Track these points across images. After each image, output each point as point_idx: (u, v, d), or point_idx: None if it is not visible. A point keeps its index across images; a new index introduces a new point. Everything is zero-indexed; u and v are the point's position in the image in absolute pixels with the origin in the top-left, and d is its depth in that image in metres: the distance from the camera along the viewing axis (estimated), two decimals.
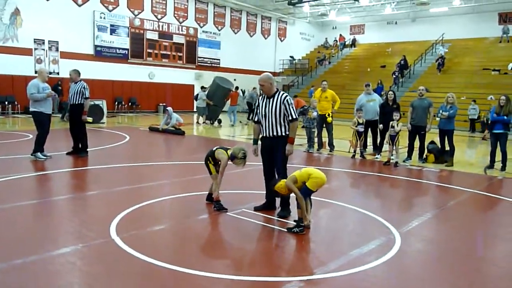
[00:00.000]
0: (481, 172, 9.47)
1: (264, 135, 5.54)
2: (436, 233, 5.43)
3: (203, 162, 5.78)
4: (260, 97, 5.63)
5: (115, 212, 5.26)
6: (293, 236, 4.79)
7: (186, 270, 3.74)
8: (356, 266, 3.99)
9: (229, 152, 5.57)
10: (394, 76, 27.21)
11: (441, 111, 10.08)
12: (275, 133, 5.43)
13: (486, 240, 5.12)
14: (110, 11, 24.08)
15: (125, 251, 4.10)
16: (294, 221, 4.98)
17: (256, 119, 5.68)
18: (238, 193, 6.51)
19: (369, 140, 11.63)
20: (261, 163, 5.73)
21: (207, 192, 5.94)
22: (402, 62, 28.26)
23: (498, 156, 9.59)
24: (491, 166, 9.61)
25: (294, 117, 5.38)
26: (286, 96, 5.46)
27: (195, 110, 27.01)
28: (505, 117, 9.34)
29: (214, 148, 5.72)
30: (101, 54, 23.83)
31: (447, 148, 10.22)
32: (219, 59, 30.22)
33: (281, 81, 31.61)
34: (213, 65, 29.90)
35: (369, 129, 11.27)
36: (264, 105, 5.47)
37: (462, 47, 29.87)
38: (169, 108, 15.72)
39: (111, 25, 24.14)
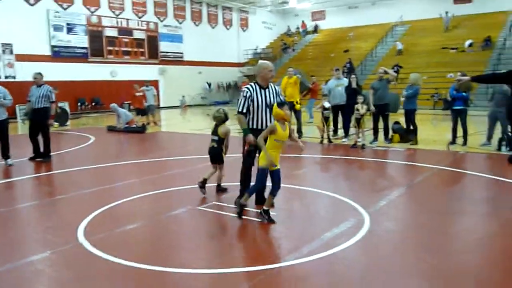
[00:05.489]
0: (445, 148, 9.75)
1: (258, 127, 5.32)
2: (404, 211, 5.57)
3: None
4: (251, 88, 5.34)
5: (83, 215, 5.14)
6: (265, 225, 4.81)
7: (160, 268, 3.69)
8: (328, 249, 4.04)
9: (222, 127, 5.98)
10: None
11: (403, 92, 10.30)
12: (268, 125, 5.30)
13: (451, 215, 5.27)
14: (65, 9, 23.32)
15: (95, 255, 4.02)
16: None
17: (244, 110, 5.30)
18: (207, 186, 6.45)
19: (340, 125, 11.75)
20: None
21: (199, 184, 6.05)
22: (348, 65, 26.24)
23: (460, 131, 9.91)
24: (453, 142, 9.93)
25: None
26: (277, 86, 5.51)
27: (162, 106, 26.78)
28: (464, 94, 9.64)
29: (216, 138, 6.04)
30: (59, 54, 23.09)
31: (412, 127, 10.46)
32: (182, 53, 29.85)
33: (247, 71, 31.53)
34: (176, 59, 29.52)
35: (339, 113, 11.43)
36: (261, 96, 5.30)
37: (420, 28, 30.52)
38: (112, 105, 15.00)
39: (68, 24, 23.40)
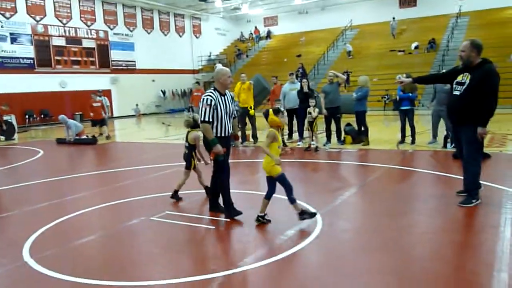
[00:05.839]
0: (395, 147, 10.07)
1: (224, 134, 5.20)
2: (356, 211, 5.69)
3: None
4: (213, 95, 5.14)
5: (29, 232, 4.92)
6: (219, 232, 4.80)
7: (113, 283, 3.59)
8: (282, 251, 4.07)
9: (191, 133, 6.12)
10: None
11: (353, 94, 10.57)
12: (231, 131, 5.30)
13: (401, 212, 5.43)
14: (7, 18, 22.40)
15: (41, 273, 3.84)
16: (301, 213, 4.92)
17: (210, 119, 5.06)
18: (160, 196, 6.36)
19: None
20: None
21: (171, 192, 6.18)
22: (301, 70, 26.78)
23: (408, 131, 10.27)
24: (402, 141, 10.28)
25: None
26: (231, 92, 5.53)
27: (116, 115, 26.16)
28: (410, 94, 10.01)
29: (186, 144, 6.21)
30: (2, 65, 22.14)
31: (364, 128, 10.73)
32: (134, 61, 29.36)
33: (201, 78, 31.40)
34: (128, 67, 28.97)
35: (294, 117, 11.66)
36: (223, 103, 5.16)
37: (369, 32, 31.53)
38: (61, 116, 14.41)
39: (11, 34, 22.49)
